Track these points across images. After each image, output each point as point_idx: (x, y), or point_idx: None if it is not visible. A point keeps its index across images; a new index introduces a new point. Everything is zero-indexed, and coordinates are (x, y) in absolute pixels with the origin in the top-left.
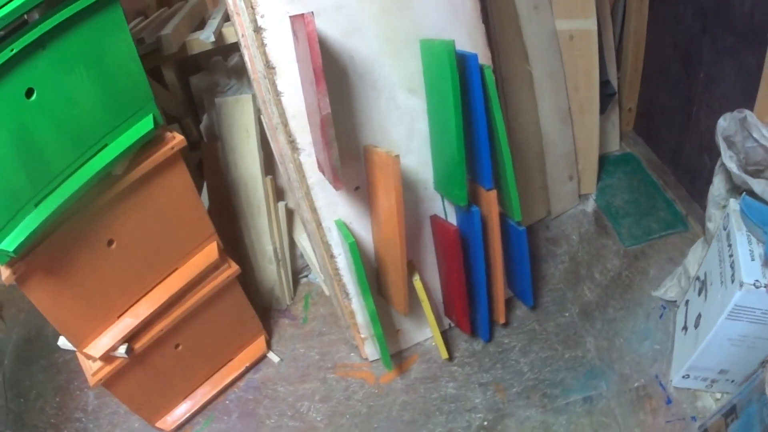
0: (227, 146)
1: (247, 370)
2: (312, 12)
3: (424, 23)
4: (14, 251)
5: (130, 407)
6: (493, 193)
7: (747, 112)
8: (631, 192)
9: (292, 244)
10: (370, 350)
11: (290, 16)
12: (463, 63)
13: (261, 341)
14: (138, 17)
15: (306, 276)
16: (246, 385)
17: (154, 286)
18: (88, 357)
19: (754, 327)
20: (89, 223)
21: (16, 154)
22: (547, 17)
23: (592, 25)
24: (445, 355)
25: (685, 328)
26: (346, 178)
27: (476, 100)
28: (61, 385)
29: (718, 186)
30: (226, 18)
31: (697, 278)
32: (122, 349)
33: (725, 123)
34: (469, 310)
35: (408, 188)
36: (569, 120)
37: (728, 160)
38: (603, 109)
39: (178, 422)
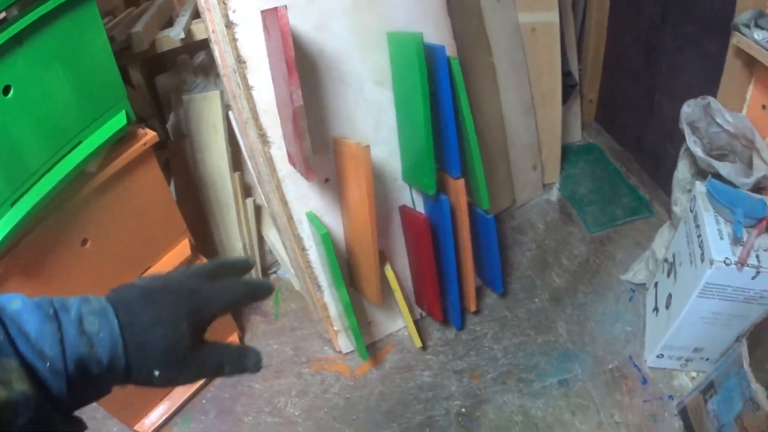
0: (195, 143)
1: None
2: (285, 6)
3: (392, 17)
4: None
5: (110, 411)
6: (461, 182)
7: (710, 98)
8: (594, 180)
9: (261, 240)
10: (344, 343)
11: (262, 11)
12: (430, 55)
13: (234, 339)
14: (107, 17)
15: (275, 272)
16: (221, 383)
17: None
18: None
19: (725, 304)
20: (64, 223)
21: None
22: (510, 10)
23: (554, 17)
24: (419, 344)
25: (656, 309)
26: (316, 170)
27: (444, 91)
28: None
29: (683, 170)
30: (195, 15)
31: (666, 260)
32: None
33: (689, 109)
34: (441, 299)
35: (377, 179)
36: (532, 111)
37: (693, 144)
38: (565, 100)
39: (157, 424)
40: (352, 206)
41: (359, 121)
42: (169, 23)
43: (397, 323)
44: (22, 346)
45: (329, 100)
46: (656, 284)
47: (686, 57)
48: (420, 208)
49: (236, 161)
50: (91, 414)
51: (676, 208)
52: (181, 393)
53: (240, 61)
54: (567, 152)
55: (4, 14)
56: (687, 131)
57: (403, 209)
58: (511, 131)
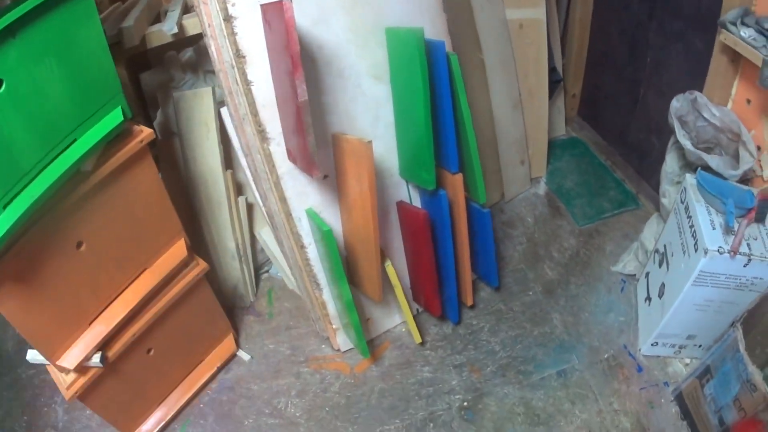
0: (186, 141)
1: (219, 370)
2: None
3: (390, 12)
4: None
5: (106, 419)
6: (459, 177)
7: (697, 93)
8: (580, 174)
9: (253, 240)
10: (342, 340)
11: (262, 5)
12: (429, 50)
13: (230, 340)
14: None
15: (267, 271)
16: (219, 386)
17: (124, 289)
18: (62, 369)
19: (718, 291)
20: (58, 225)
21: None
22: (498, 6)
23: (541, 14)
24: (418, 339)
25: (648, 298)
26: None
27: (443, 86)
28: (28, 402)
29: (671, 163)
30: (185, 11)
31: (656, 251)
32: (96, 358)
33: (678, 104)
34: (439, 294)
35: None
36: (520, 106)
37: (683, 138)
38: (549, 95)
39: (154, 431)
40: (351, 203)
41: (358, 116)
42: (157, 19)
43: (394, 319)
44: None
45: (328, 95)
46: (647, 274)
47: (672, 53)
48: (416, 203)
49: (227, 159)
50: (86, 423)
51: (664, 200)
52: (177, 397)
53: (239, 55)
54: (551, 146)
55: None
56: (677, 125)
57: (401, 205)
58: (500, 126)
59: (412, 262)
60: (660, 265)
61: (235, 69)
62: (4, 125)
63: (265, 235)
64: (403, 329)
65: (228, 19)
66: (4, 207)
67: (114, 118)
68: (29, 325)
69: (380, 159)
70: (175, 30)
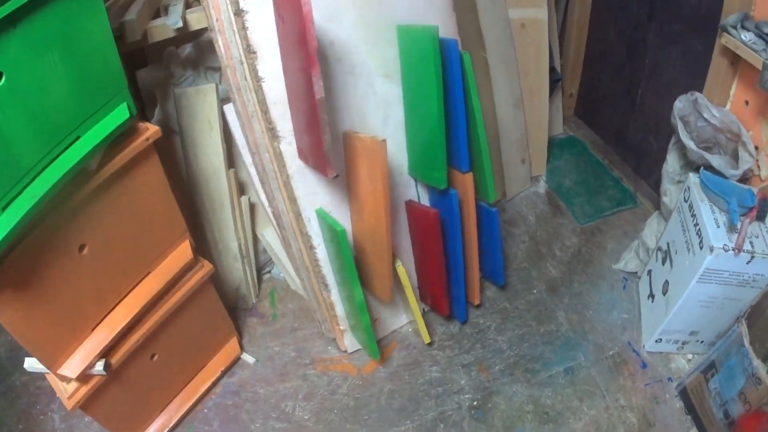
0: (187, 140)
1: (223, 374)
2: None
3: (401, 10)
4: None
5: (108, 427)
6: (470, 176)
7: (698, 94)
8: (579, 172)
9: (255, 240)
10: (350, 341)
11: None
12: (442, 49)
13: (234, 343)
14: None
15: (269, 272)
16: (223, 390)
17: (128, 293)
18: (63, 378)
19: (722, 288)
20: (60, 227)
21: None
22: (502, 6)
23: (543, 14)
24: (427, 339)
25: (651, 296)
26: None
27: (455, 85)
28: (23, 410)
29: (672, 163)
30: (187, 5)
31: (659, 249)
32: (99, 366)
33: (681, 104)
34: (447, 293)
35: None
36: (521, 105)
37: (686, 138)
38: (549, 94)
39: None
40: (363, 202)
41: (369, 114)
42: (156, 14)
43: (401, 320)
44: None
45: (339, 92)
46: (650, 272)
47: (670, 54)
48: (425, 202)
49: (229, 158)
50: (84, 431)
51: (665, 199)
52: (180, 403)
53: (250, 51)
54: (550, 145)
55: None
56: (680, 125)
57: (410, 204)
58: (502, 125)
59: (421, 261)
60: (663, 263)
61: (245, 65)
62: (3, 121)
63: (267, 235)
64: (410, 329)
65: (239, 13)
66: (4, 208)
67: (119, 114)
68: (29, 333)
69: (390, 158)
70: (180, 24)
